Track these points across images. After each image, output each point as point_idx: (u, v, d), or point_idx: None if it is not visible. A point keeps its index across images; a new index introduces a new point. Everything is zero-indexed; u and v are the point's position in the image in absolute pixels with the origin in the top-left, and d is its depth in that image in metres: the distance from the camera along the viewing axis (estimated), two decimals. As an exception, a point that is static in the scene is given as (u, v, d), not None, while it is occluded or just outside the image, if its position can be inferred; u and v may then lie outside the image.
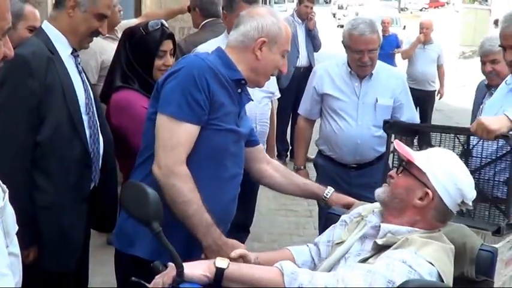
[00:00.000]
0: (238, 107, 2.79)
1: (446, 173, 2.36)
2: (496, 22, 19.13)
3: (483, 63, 4.81)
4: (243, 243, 4.74)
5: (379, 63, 4.46)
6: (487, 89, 4.77)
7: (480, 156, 3.16)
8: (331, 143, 4.42)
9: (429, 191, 2.34)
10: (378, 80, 4.32)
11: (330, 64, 4.55)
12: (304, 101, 4.62)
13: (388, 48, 12.35)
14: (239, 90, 2.78)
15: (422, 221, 2.37)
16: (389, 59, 12.03)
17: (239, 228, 4.76)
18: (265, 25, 2.74)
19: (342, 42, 4.34)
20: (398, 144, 2.51)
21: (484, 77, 4.94)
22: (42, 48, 3.02)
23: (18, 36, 3.40)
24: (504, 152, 3.11)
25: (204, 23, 5.33)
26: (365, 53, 4.18)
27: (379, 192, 2.47)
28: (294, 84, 8.50)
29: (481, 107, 4.51)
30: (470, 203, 2.45)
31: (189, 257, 2.35)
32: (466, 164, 2.94)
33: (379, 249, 2.29)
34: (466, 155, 3.18)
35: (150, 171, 2.63)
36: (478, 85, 5.19)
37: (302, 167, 4.73)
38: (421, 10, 57.65)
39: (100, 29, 3.17)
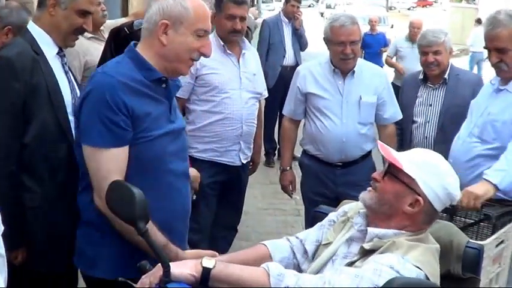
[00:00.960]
0: (167, 101, 2.67)
1: (436, 177, 2.33)
2: (478, 21, 19.22)
3: (425, 53, 4.85)
4: (231, 242, 4.82)
5: (361, 61, 4.50)
6: (422, 82, 4.79)
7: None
8: (316, 142, 4.42)
9: (420, 198, 2.31)
10: (361, 77, 4.34)
11: (312, 63, 4.55)
12: (289, 102, 4.63)
13: (377, 47, 12.42)
14: (163, 86, 2.64)
15: (411, 225, 2.35)
16: (377, 58, 12.10)
17: (227, 228, 4.79)
18: (165, 6, 2.56)
19: (324, 39, 4.37)
20: (383, 148, 2.46)
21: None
22: (27, 49, 3.01)
23: None
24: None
25: None
26: (347, 44, 4.20)
27: (365, 198, 2.42)
28: (281, 84, 8.48)
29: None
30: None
31: None
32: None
33: (366, 253, 2.29)
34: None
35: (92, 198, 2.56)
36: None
37: (288, 168, 4.74)
38: (409, 9, 57.81)
39: (84, 26, 3.14)
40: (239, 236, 5.08)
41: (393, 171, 2.36)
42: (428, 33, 4.89)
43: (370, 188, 2.43)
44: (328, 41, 4.33)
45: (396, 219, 2.35)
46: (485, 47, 3.62)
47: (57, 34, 3.12)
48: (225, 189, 4.57)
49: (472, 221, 2.97)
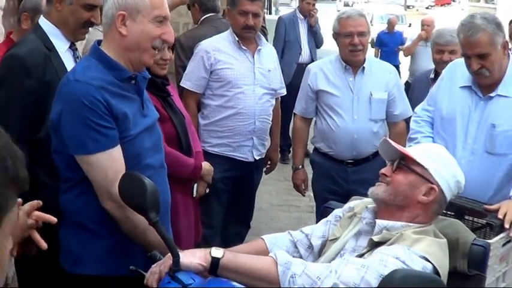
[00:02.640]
0: (139, 97, 2.64)
1: (445, 166, 2.41)
2: None
3: (441, 52, 4.85)
4: (244, 238, 4.84)
5: (371, 58, 4.52)
6: (433, 81, 4.71)
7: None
8: (328, 139, 4.43)
9: (434, 187, 2.38)
10: (371, 74, 4.36)
11: (323, 61, 4.58)
12: (300, 100, 4.64)
13: (393, 46, 12.40)
14: (133, 82, 2.61)
15: (423, 215, 2.40)
16: (393, 56, 12.11)
17: (239, 224, 4.82)
18: None
19: (333, 35, 4.40)
20: (393, 143, 2.50)
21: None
22: (38, 46, 3.04)
23: None
24: None
25: (203, 18, 5.39)
26: (355, 35, 4.22)
27: (377, 191, 2.45)
28: (297, 81, 8.52)
29: None
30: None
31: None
32: None
33: (375, 245, 2.32)
34: None
35: (78, 195, 2.56)
36: (415, 78, 5.26)
37: (300, 167, 4.76)
38: (427, 8, 57.47)
39: (92, 19, 3.17)
40: (252, 231, 5.10)
41: (405, 163, 2.41)
42: (446, 32, 4.90)
43: (379, 183, 2.47)
44: (337, 34, 4.35)
45: (409, 209, 2.40)
46: (463, 54, 3.49)
47: (66, 29, 3.15)
48: (237, 185, 4.59)
49: (480, 225, 2.96)
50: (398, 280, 1.97)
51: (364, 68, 4.33)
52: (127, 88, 2.57)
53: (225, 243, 4.45)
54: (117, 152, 2.48)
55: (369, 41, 4.45)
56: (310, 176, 4.80)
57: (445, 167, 2.40)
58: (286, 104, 8.54)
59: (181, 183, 3.49)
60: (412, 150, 2.45)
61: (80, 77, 2.47)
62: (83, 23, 3.17)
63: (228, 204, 4.60)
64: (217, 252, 2.16)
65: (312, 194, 7.25)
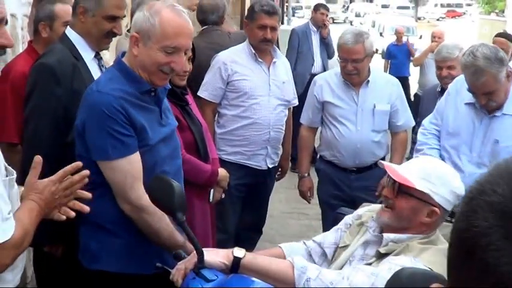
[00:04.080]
0: (158, 107, 2.78)
1: (445, 185, 2.47)
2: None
3: (439, 68, 5.10)
4: (256, 243, 4.98)
5: (375, 71, 4.65)
6: (439, 95, 4.86)
7: None
8: (332, 148, 4.59)
9: (436, 209, 2.46)
10: (375, 86, 4.49)
11: (328, 73, 4.76)
12: (306, 110, 4.77)
13: (402, 57, 12.44)
14: (153, 94, 2.75)
15: (427, 230, 2.51)
16: (403, 68, 12.14)
17: (252, 229, 4.96)
18: (137, 20, 2.65)
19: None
20: (390, 170, 2.57)
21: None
22: (67, 55, 3.18)
23: (57, 35, 3.55)
24: None
25: (201, 29, 5.59)
26: (348, 62, 4.36)
27: (383, 219, 2.54)
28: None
29: None
30: None
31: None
32: None
33: (381, 256, 2.45)
34: None
35: (98, 197, 2.61)
36: (424, 92, 5.39)
37: (306, 175, 4.91)
38: (438, 20, 57.48)
39: (114, 30, 3.30)
40: (264, 237, 5.23)
41: (405, 189, 2.49)
42: (443, 48, 5.14)
43: (384, 207, 2.57)
44: (338, 55, 4.55)
45: (414, 229, 2.50)
46: (469, 91, 3.62)
47: (90, 39, 3.29)
48: (251, 192, 4.74)
49: None
50: (405, 277, 2.10)
51: (368, 81, 4.47)
52: (146, 99, 2.73)
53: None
54: (135, 159, 2.66)
55: (376, 54, 4.57)
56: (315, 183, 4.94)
57: (442, 187, 2.46)
58: (297, 114, 8.74)
59: (198, 189, 3.63)
60: (409, 174, 2.49)
61: (102, 88, 2.65)
62: (105, 33, 3.29)
63: (241, 210, 4.75)
64: (239, 252, 2.31)
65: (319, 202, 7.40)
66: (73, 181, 2.25)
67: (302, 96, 8.47)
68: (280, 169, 5.04)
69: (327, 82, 4.59)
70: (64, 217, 2.26)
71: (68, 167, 2.26)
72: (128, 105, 2.61)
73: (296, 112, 8.18)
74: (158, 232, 2.67)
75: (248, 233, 4.94)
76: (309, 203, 5.21)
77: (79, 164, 2.31)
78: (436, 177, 2.48)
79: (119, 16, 3.30)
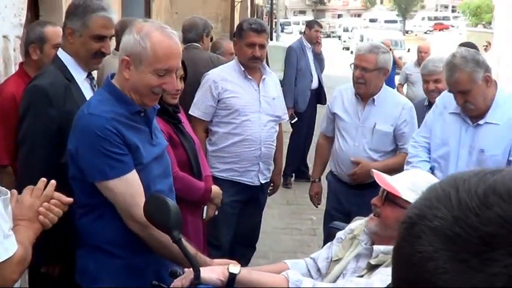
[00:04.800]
0: (148, 127, 2.80)
1: None
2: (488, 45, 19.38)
3: (426, 82, 5.20)
4: (250, 259, 5.02)
5: (389, 91, 4.72)
6: (427, 108, 4.92)
7: None
8: (335, 160, 4.73)
9: None
10: (381, 106, 4.54)
11: (346, 86, 4.82)
12: (323, 119, 4.95)
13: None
14: (142, 114, 2.76)
15: None
16: (389, 81, 12.24)
17: (246, 245, 4.99)
18: (127, 44, 2.65)
19: None
20: (378, 177, 2.63)
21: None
22: (59, 77, 3.21)
23: (47, 57, 3.60)
24: None
25: (184, 46, 5.68)
26: (358, 68, 4.45)
27: (370, 226, 2.61)
28: (310, 108, 8.95)
29: None
30: None
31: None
32: None
33: (373, 267, 2.51)
34: None
35: (95, 220, 2.72)
36: (413, 105, 5.45)
37: (317, 180, 5.04)
38: (425, 33, 57.87)
39: (103, 49, 3.31)
40: (257, 254, 5.26)
41: (392, 198, 2.55)
42: (429, 62, 5.25)
43: (372, 215, 2.64)
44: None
45: None
46: (449, 91, 3.77)
47: (79, 60, 3.30)
48: (244, 208, 4.77)
49: None
50: None
51: (374, 99, 4.52)
52: (137, 120, 2.75)
53: (232, 265, 4.63)
54: (133, 176, 2.67)
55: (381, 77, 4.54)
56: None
57: None
58: (301, 132, 8.89)
59: (191, 206, 3.66)
60: (397, 184, 2.54)
61: (93, 111, 2.66)
62: (93, 53, 3.29)
63: (235, 226, 4.77)
64: (234, 268, 2.36)
65: (315, 218, 7.47)
66: (48, 193, 2.32)
67: (306, 113, 8.71)
68: (272, 184, 5.08)
69: (341, 94, 4.72)
70: (49, 223, 2.29)
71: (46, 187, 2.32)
72: (120, 125, 2.63)
73: (302, 128, 8.36)
74: (169, 246, 2.62)
75: (242, 249, 4.96)
76: (316, 207, 5.32)
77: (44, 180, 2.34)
78: (423, 188, 2.51)
79: (106, 35, 3.31)
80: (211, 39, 6.12)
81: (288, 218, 7.77)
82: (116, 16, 3.40)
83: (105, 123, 2.60)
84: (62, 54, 3.32)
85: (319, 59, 9.21)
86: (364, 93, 4.52)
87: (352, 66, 4.62)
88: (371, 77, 4.46)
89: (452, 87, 3.68)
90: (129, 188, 2.65)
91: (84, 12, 3.24)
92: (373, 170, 2.74)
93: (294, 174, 9.19)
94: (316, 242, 6.87)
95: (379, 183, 2.59)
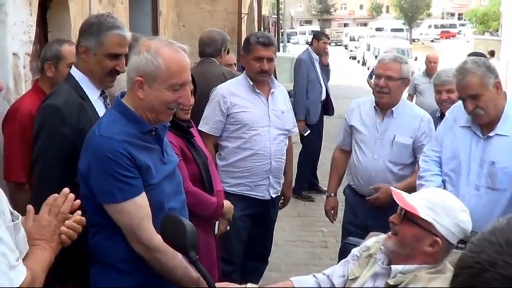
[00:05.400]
0: (159, 146, 2.81)
1: (449, 217, 2.51)
2: (491, 53, 19.31)
3: (439, 92, 5.24)
4: (262, 273, 5.00)
5: (408, 104, 4.74)
6: (439, 120, 4.92)
7: None
8: (352, 173, 4.71)
9: (438, 239, 2.50)
10: (400, 118, 4.52)
11: (364, 99, 4.84)
12: (340, 132, 4.93)
13: None
14: (153, 133, 2.78)
15: (431, 261, 2.54)
16: None
17: (258, 259, 4.98)
18: (139, 64, 2.65)
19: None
20: (397, 195, 2.62)
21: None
22: (73, 96, 3.21)
23: (61, 75, 3.59)
24: None
25: (200, 60, 5.77)
26: (382, 78, 4.44)
27: (388, 245, 2.61)
28: (320, 120, 9.00)
29: None
30: None
31: None
32: None
33: (390, 287, 2.49)
34: None
35: (106, 238, 2.73)
36: None
37: (332, 194, 5.01)
38: (432, 41, 57.91)
39: (117, 67, 3.30)
40: (269, 267, 5.25)
41: (410, 217, 2.54)
42: (442, 72, 5.29)
43: (390, 234, 2.63)
44: (374, 75, 4.63)
45: (417, 258, 2.54)
46: (459, 98, 3.77)
47: (93, 78, 3.30)
48: (255, 222, 4.76)
49: None
50: None
51: (392, 111, 4.51)
52: (148, 139, 2.75)
53: (244, 279, 4.62)
54: (142, 200, 2.67)
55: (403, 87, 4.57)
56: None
57: (448, 218, 2.50)
58: (313, 144, 8.91)
59: (203, 221, 3.64)
60: (416, 203, 2.54)
61: (104, 132, 2.66)
62: (108, 71, 3.30)
63: (247, 240, 4.77)
64: (252, 286, 2.34)
65: (326, 230, 7.45)
66: (65, 210, 2.31)
67: (318, 125, 8.72)
68: (283, 197, 5.06)
69: (359, 107, 4.72)
70: (69, 241, 2.30)
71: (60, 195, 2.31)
72: (131, 147, 2.64)
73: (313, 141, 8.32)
74: (173, 270, 2.69)
75: (254, 264, 4.96)
76: (332, 222, 5.27)
77: (66, 190, 2.33)
78: (442, 208, 2.52)
79: (121, 54, 3.31)
80: (228, 52, 6.12)
81: (298, 230, 7.75)
82: (129, 34, 3.38)
83: (116, 145, 2.61)
84: (75, 72, 3.32)
85: (326, 70, 9.22)
86: (387, 103, 4.51)
87: (373, 76, 4.59)
88: (395, 86, 4.47)
89: (463, 92, 3.66)
90: (137, 211, 2.66)
91: (99, 31, 3.24)
92: (392, 188, 2.73)
93: (304, 186, 9.17)
94: (328, 254, 6.86)
95: (398, 202, 2.58)
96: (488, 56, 19.38)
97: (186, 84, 2.73)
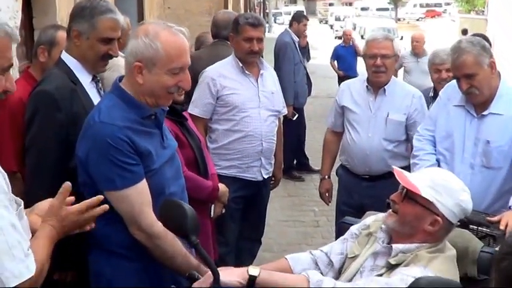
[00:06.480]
0: (159, 130, 2.79)
1: (451, 197, 2.52)
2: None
3: (438, 71, 5.22)
4: (256, 253, 5.02)
5: (398, 82, 4.74)
6: (432, 100, 4.94)
7: None
8: (346, 153, 4.71)
9: (438, 218, 2.51)
10: (392, 96, 4.55)
11: (353, 80, 4.87)
12: (330, 114, 4.92)
13: (349, 58, 13.18)
14: (153, 117, 2.74)
15: (432, 239, 2.55)
16: (351, 69, 12.90)
17: (251, 240, 5.00)
18: (137, 48, 2.60)
19: (362, 56, 4.69)
20: (399, 174, 2.62)
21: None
22: (65, 81, 3.18)
23: (53, 61, 3.52)
24: None
25: (212, 42, 5.79)
26: (378, 57, 4.44)
27: (388, 222, 2.61)
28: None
29: None
30: None
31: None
32: None
33: (392, 266, 2.50)
34: None
35: (106, 224, 2.63)
36: None
37: (326, 177, 5.03)
38: (418, 20, 57.83)
39: (110, 52, 3.27)
40: (262, 247, 5.27)
41: (411, 195, 2.54)
42: (441, 51, 5.24)
43: (390, 211, 2.62)
44: (364, 56, 4.62)
45: (418, 236, 2.55)
46: (453, 77, 3.79)
47: (86, 63, 3.27)
48: (248, 203, 4.77)
49: (484, 234, 3.13)
50: (424, 286, 2.13)
51: (385, 89, 4.53)
52: (148, 124, 2.72)
53: (238, 260, 4.64)
54: (142, 186, 2.65)
55: (396, 64, 4.61)
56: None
57: (449, 198, 2.51)
58: (302, 124, 8.92)
59: (198, 205, 3.59)
60: (418, 181, 2.55)
61: (104, 119, 2.62)
62: (101, 56, 3.26)
63: (240, 222, 4.78)
64: (254, 270, 2.34)
65: (317, 209, 7.48)
66: (94, 214, 2.30)
67: (301, 109, 8.73)
68: (273, 178, 5.07)
69: (349, 87, 4.73)
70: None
71: (94, 200, 2.29)
72: (132, 133, 2.60)
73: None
74: (173, 257, 2.67)
75: (248, 245, 4.98)
76: (327, 204, 5.29)
77: (100, 197, 2.32)
78: (444, 187, 2.53)
79: (114, 38, 3.27)
80: None
81: (290, 210, 7.78)
82: (122, 17, 3.35)
83: (117, 132, 2.57)
84: (66, 57, 3.28)
85: (304, 51, 9.27)
86: (384, 82, 4.53)
87: (366, 57, 4.54)
88: (390, 64, 4.51)
89: (458, 71, 3.66)
90: (138, 198, 2.63)
91: (92, 14, 3.20)
92: (394, 167, 2.72)
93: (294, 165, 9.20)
94: (320, 233, 6.91)
95: (400, 181, 2.58)
96: (461, 34, 19.47)
97: (186, 68, 2.68)
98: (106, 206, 2.34)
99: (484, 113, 3.71)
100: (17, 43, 2.16)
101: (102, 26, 3.21)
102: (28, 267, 1.90)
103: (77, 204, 2.26)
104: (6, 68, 2.07)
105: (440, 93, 4.10)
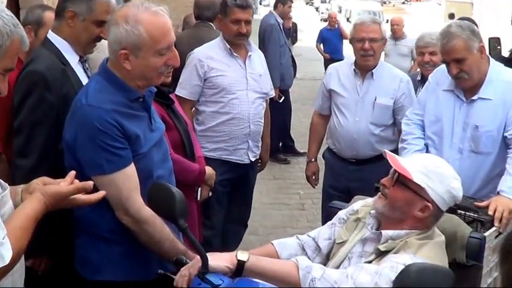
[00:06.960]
0: (147, 112, 2.75)
1: (441, 184, 2.51)
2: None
3: (421, 54, 5.23)
4: (242, 236, 5.01)
5: (386, 65, 4.71)
6: (420, 83, 4.98)
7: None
8: (333, 136, 4.70)
9: (429, 204, 2.50)
10: (380, 80, 4.53)
11: (341, 63, 4.85)
12: (317, 97, 4.90)
13: (335, 41, 13.29)
14: (141, 100, 2.70)
15: (421, 226, 2.54)
16: (337, 51, 13.02)
17: (237, 223, 4.98)
18: (120, 36, 2.54)
19: (350, 40, 4.65)
20: (391, 158, 2.61)
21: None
22: (55, 61, 3.14)
23: (39, 42, 3.47)
24: None
25: (194, 23, 5.76)
26: (366, 41, 4.42)
27: (377, 206, 2.59)
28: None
29: None
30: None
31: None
32: None
33: (381, 253, 2.49)
34: None
35: (93, 208, 2.55)
36: None
37: (313, 160, 5.03)
38: (403, 3, 57.83)
39: (101, 34, 3.24)
40: (248, 230, 5.27)
41: (402, 180, 2.53)
42: (426, 34, 5.25)
43: (380, 195, 2.61)
44: (351, 39, 4.59)
45: (407, 222, 2.54)
46: (443, 61, 3.77)
47: (77, 44, 3.24)
48: (235, 186, 4.75)
49: (472, 219, 3.13)
50: (414, 273, 2.12)
51: (372, 73, 4.51)
52: (136, 107, 2.68)
53: (224, 243, 4.63)
54: (130, 171, 2.61)
55: (383, 47, 4.59)
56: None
57: (440, 185, 2.50)
58: (288, 107, 8.89)
59: (185, 188, 3.56)
60: (409, 166, 2.53)
61: (92, 101, 2.57)
62: (94, 38, 3.25)
63: (227, 205, 4.76)
64: (242, 255, 2.32)
65: (302, 192, 7.48)
66: (90, 202, 2.28)
67: (287, 92, 8.71)
68: (260, 161, 5.05)
69: (336, 71, 4.70)
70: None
71: (86, 185, 2.25)
72: (120, 117, 2.56)
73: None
74: (160, 242, 2.65)
75: (234, 228, 4.96)
76: (314, 187, 5.29)
77: (91, 184, 2.27)
78: (435, 174, 2.52)
79: (106, 21, 3.17)
80: None
81: (275, 193, 7.78)
82: (114, 0, 3.31)
83: (105, 115, 2.53)
84: (53, 37, 3.23)
85: (288, 33, 9.23)
86: (372, 66, 4.51)
87: (354, 40, 4.51)
88: (379, 47, 4.50)
89: (448, 55, 3.64)
90: (126, 183, 2.60)
91: None
92: (386, 151, 2.70)
93: (280, 149, 9.19)
94: (305, 216, 6.92)
95: (392, 165, 2.57)
96: (447, 18, 19.53)
97: (172, 45, 2.64)
98: (103, 192, 2.32)
99: (473, 97, 3.69)
100: (25, 50, 2.16)
101: (100, 9, 3.19)
102: (3, 256, 1.85)
103: (73, 185, 2.22)
104: (9, 70, 2.06)
105: (429, 77, 4.09)
